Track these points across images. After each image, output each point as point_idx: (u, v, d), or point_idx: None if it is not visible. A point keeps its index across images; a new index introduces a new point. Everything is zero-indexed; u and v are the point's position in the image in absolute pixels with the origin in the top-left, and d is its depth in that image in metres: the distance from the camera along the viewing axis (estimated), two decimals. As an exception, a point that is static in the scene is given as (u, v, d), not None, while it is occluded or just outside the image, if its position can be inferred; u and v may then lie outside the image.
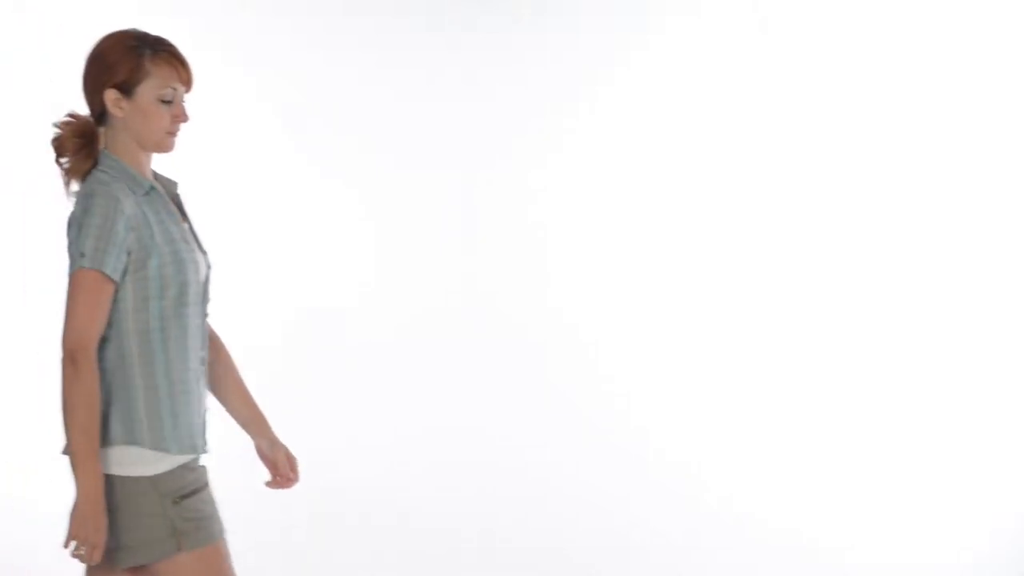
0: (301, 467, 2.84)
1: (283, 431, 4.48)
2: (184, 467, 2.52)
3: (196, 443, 2.54)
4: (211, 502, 2.55)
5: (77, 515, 2.41)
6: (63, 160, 2.55)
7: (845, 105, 4.63)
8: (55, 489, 4.44)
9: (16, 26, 4.48)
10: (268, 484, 2.80)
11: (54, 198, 4.58)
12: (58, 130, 2.55)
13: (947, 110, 4.57)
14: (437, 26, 4.85)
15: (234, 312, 4.61)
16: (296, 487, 2.78)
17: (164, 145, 2.56)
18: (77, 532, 2.41)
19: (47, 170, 4.59)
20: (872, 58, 4.61)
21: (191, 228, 2.64)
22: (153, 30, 2.46)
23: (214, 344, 2.75)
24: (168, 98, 2.52)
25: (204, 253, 2.63)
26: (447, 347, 4.77)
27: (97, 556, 2.42)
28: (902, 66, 4.60)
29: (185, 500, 2.50)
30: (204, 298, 2.62)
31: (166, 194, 2.60)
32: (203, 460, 2.59)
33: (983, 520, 4.32)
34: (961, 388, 4.54)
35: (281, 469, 2.79)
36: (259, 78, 4.67)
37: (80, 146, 2.54)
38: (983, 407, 4.52)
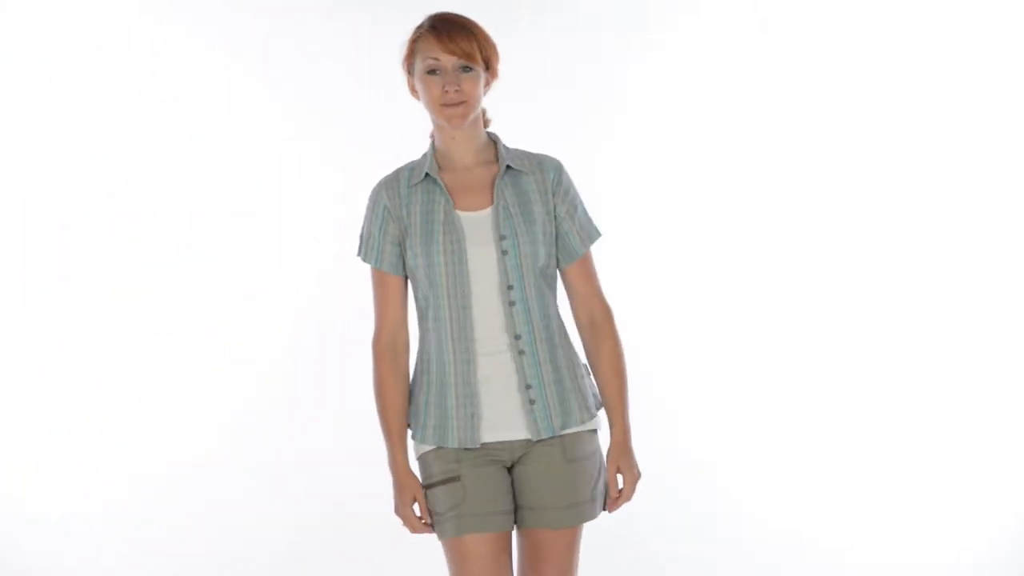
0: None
1: (288, 434, 4.46)
2: (435, 455, 2.50)
3: (443, 435, 2.48)
4: (447, 498, 2.47)
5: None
6: None
7: (846, 105, 4.63)
8: (55, 489, 4.46)
9: (16, 26, 4.48)
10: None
11: (54, 198, 4.61)
12: None
13: (948, 109, 4.57)
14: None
15: (233, 313, 4.63)
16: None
17: (443, 118, 2.44)
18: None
19: (47, 170, 4.63)
20: (872, 58, 4.61)
21: (504, 208, 2.46)
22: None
23: (591, 336, 2.61)
24: (431, 68, 2.44)
25: (504, 237, 2.43)
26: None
27: (415, 526, 2.52)
28: (902, 65, 4.60)
29: (427, 489, 2.53)
30: (496, 286, 2.44)
31: (502, 173, 2.47)
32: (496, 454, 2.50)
33: (983, 520, 4.32)
34: (961, 389, 4.54)
35: (610, 490, 2.69)
36: (257, 78, 4.67)
37: None
38: (983, 408, 4.52)
